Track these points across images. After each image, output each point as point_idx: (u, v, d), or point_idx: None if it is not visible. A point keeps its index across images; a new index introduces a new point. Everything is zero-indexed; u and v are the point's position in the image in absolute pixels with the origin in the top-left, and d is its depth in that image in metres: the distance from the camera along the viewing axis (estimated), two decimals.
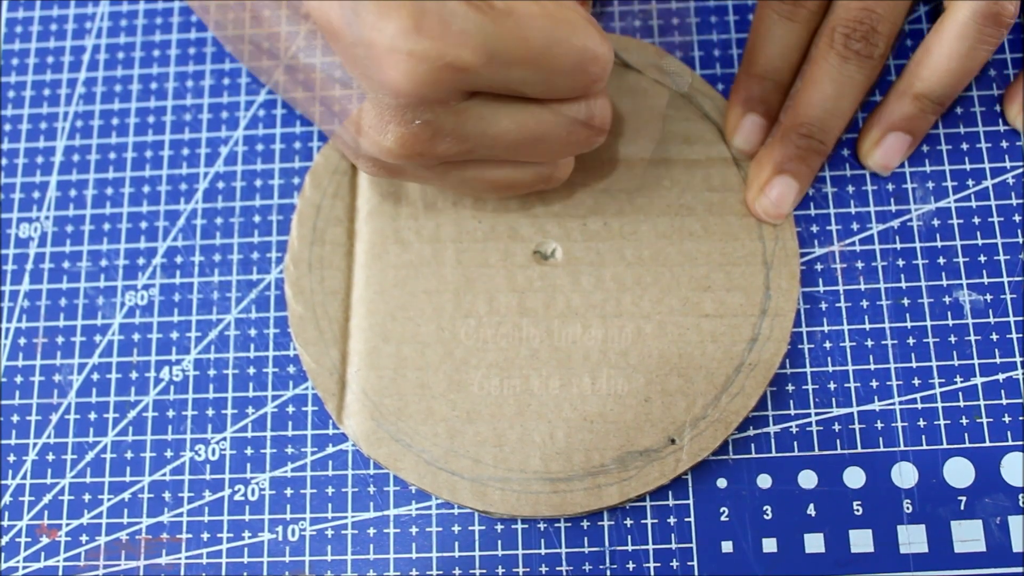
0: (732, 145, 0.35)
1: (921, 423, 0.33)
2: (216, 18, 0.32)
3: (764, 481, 0.33)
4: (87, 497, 0.35)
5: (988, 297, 0.34)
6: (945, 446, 0.33)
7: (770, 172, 0.34)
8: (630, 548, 0.33)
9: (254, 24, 0.31)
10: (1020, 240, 0.35)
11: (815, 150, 0.34)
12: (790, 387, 0.34)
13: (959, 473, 0.33)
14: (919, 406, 0.33)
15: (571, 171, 0.33)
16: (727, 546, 0.33)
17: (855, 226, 0.35)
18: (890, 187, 0.36)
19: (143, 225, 0.37)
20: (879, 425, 0.33)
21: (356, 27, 0.25)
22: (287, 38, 0.29)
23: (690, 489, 0.33)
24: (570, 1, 0.28)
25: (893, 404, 0.33)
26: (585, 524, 0.33)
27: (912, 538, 0.32)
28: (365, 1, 0.25)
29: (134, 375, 0.36)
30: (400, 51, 0.25)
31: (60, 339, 0.36)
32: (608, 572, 0.33)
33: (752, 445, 0.33)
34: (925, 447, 0.33)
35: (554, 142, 0.29)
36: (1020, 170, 0.35)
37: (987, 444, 0.33)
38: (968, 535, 0.32)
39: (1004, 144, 0.36)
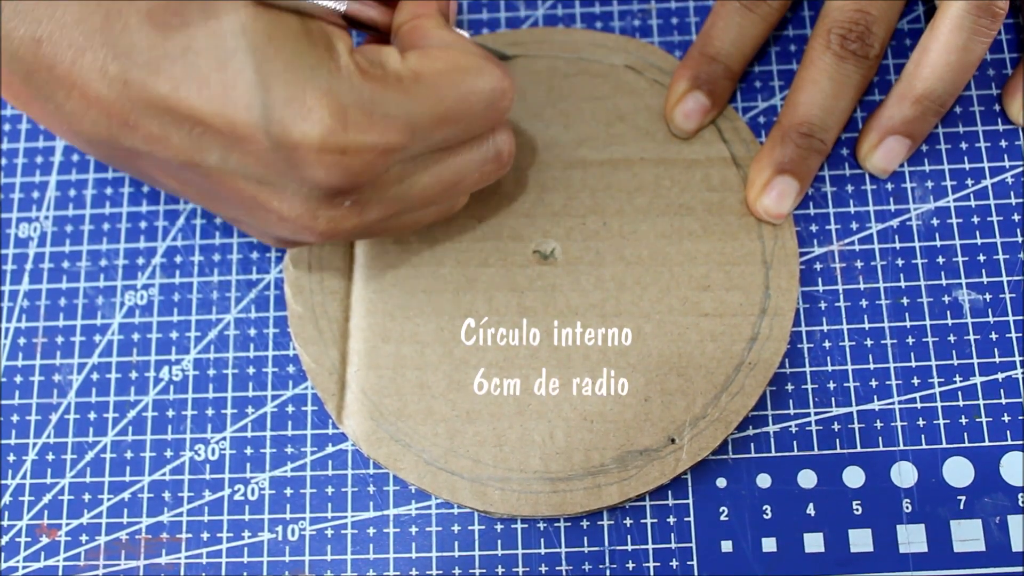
0: (670, 120, 0.36)
1: (920, 422, 0.33)
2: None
3: (764, 481, 0.33)
4: (87, 497, 0.35)
5: (987, 296, 0.34)
6: (944, 445, 0.33)
7: (771, 172, 0.34)
8: (630, 548, 0.33)
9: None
10: (1019, 239, 0.35)
11: (815, 149, 0.34)
12: (789, 387, 0.34)
13: (958, 472, 0.33)
14: (918, 405, 0.33)
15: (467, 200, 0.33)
16: (727, 546, 0.33)
17: (854, 225, 0.35)
18: (889, 187, 0.36)
19: (143, 225, 0.37)
20: (878, 424, 0.33)
21: (274, 133, 0.25)
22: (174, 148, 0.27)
23: (690, 489, 0.33)
24: (465, 42, 0.28)
25: (892, 403, 0.33)
26: (585, 524, 0.33)
27: (911, 537, 0.32)
28: (279, 107, 0.25)
29: (134, 375, 0.36)
30: (331, 150, 0.25)
31: (60, 339, 0.36)
32: (608, 572, 0.33)
33: (751, 445, 0.33)
34: (924, 447, 0.33)
35: (467, 183, 0.30)
36: (1019, 169, 0.35)
37: (986, 444, 0.33)
38: (967, 535, 0.32)
39: (1003, 143, 0.36)
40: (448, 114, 0.27)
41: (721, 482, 0.33)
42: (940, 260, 0.35)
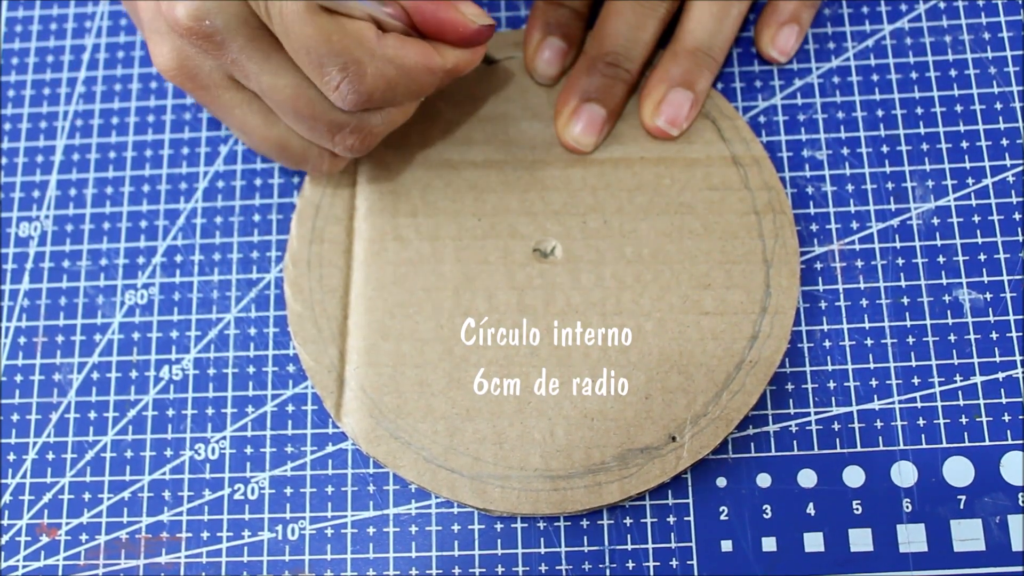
0: (534, 71, 0.36)
1: (921, 422, 0.33)
2: None
3: (763, 480, 0.33)
4: (87, 496, 0.35)
5: (988, 296, 0.34)
6: (944, 445, 0.33)
7: (577, 100, 0.35)
8: (630, 547, 0.33)
9: None
10: (1020, 239, 0.35)
11: (621, 78, 0.35)
12: (789, 386, 0.34)
13: (959, 472, 0.33)
14: (919, 405, 0.33)
15: (338, 168, 0.34)
16: (727, 545, 0.33)
17: (854, 225, 0.35)
18: (889, 186, 0.36)
19: (143, 224, 0.37)
20: (878, 424, 0.33)
21: None
22: None
23: (690, 488, 0.33)
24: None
25: (892, 403, 0.33)
26: (585, 523, 0.33)
27: (911, 537, 0.32)
28: None
29: (134, 374, 0.36)
30: None
31: (60, 338, 0.36)
32: (608, 571, 0.33)
33: (751, 444, 0.33)
34: (925, 446, 0.33)
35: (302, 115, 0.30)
36: (1019, 168, 0.35)
37: (987, 443, 0.33)
38: (968, 534, 0.32)
39: (1004, 142, 0.36)
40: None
41: (721, 481, 0.33)
42: (940, 259, 0.35)
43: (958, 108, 0.36)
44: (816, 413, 0.34)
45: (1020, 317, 0.34)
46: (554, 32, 0.36)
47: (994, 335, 0.34)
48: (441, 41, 0.30)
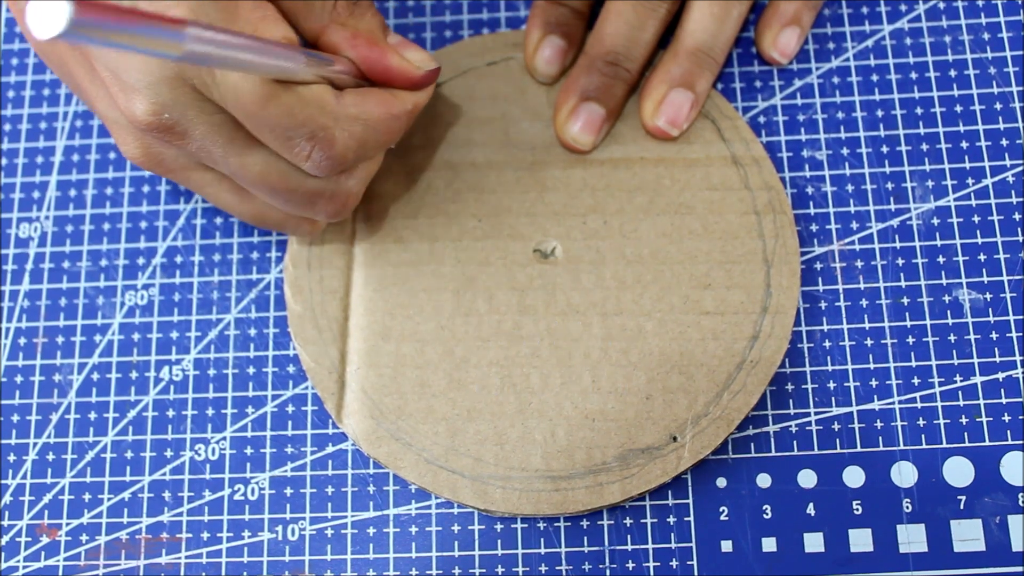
0: (534, 70, 0.36)
1: (921, 422, 0.33)
2: None
3: (763, 480, 0.33)
4: (87, 497, 0.35)
5: (988, 296, 0.34)
6: (945, 445, 0.33)
7: (576, 99, 0.35)
8: (630, 547, 0.33)
9: None
10: (1020, 239, 0.35)
11: (621, 78, 0.35)
12: (789, 386, 0.34)
13: (959, 472, 0.33)
14: (919, 405, 0.33)
15: (320, 230, 0.33)
16: (727, 545, 0.33)
17: (854, 225, 0.35)
18: (889, 186, 0.36)
19: (143, 225, 0.37)
20: (878, 424, 0.33)
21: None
22: None
23: (690, 488, 0.33)
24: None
25: (892, 403, 0.33)
26: (585, 523, 0.33)
27: (912, 537, 0.32)
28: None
29: (134, 375, 0.36)
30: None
31: (60, 339, 0.36)
32: (608, 571, 0.33)
33: (751, 444, 0.33)
34: (925, 446, 0.33)
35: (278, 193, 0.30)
36: (1019, 168, 0.35)
37: (987, 443, 0.33)
38: (968, 534, 0.32)
39: (1004, 142, 0.36)
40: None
41: (721, 482, 0.33)
42: (940, 259, 0.35)
43: (958, 108, 0.36)
44: (816, 413, 0.34)
45: (1020, 317, 0.34)
46: (554, 31, 0.36)
47: (994, 335, 0.34)
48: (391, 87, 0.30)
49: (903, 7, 0.37)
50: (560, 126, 0.35)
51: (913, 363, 0.34)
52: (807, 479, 0.33)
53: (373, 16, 0.30)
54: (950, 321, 0.34)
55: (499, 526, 0.33)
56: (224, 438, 0.35)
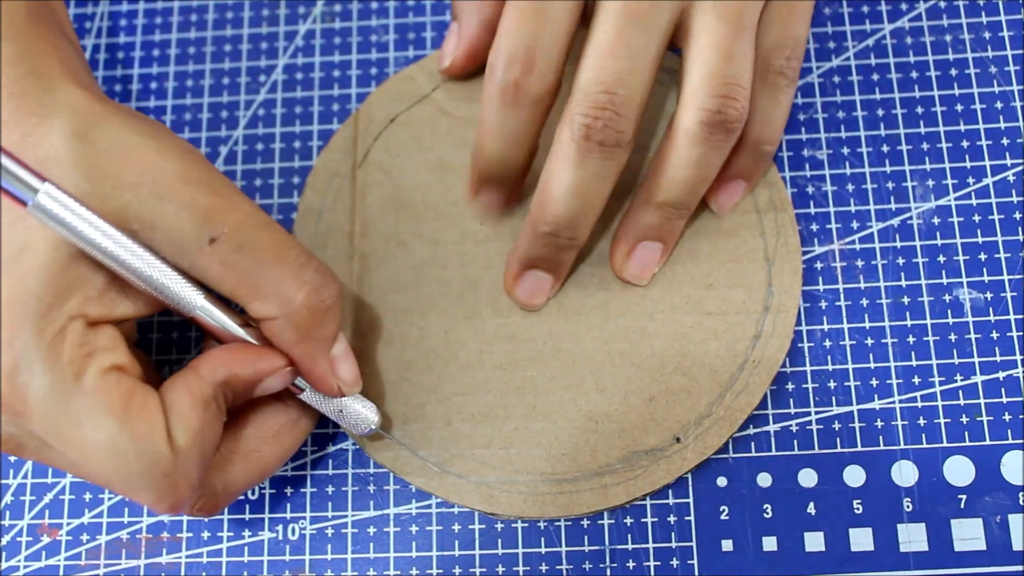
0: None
1: (921, 421, 0.33)
2: None
3: (764, 480, 0.33)
4: (88, 496, 0.35)
5: (988, 295, 0.34)
6: (945, 444, 0.33)
7: (519, 267, 0.33)
8: (630, 547, 0.33)
9: None
10: (1020, 238, 0.35)
11: (565, 247, 0.32)
12: (790, 385, 0.34)
13: (959, 471, 0.33)
14: (919, 404, 0.33)
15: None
16: (727, 545, 0.33)
17: (855, 224, 0.35)
18: (890, 185, 0.36)
19: None
20: (879, 423, 0.33)
21: None
22: None
23: (690, 488, 0.33)
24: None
25: (893, 402, 0.33)
26: (585, 523, 0.33)
27: (912, 536, 0.32)
28: None
29: None
30: None
31: None
32: (608, 571, 0.33)
33: (752, 444, 0.33)
34: (925, 445, 0.33)
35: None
36: (1020, 168, 0.35)
37: (987, 442, 0.33)
38: (968, 533, 0.32)
39: (1004, 141, 0.36)
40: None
41: (722, 481, 0.33)
42: (941, 259, 0.35)
43: (958, 107, 0.36)
44: (817, 413, 0.34)
45: (1020, 316, 0.34)
46: (490, 188, 0.34)
47: (994, 334, 0.34)
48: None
49: (904, 6, 0.37)
50: (508, 289, 0.34)
51: (914, 362, 0.34)
52: (808, 478, 0.33)
53: (333, 321, 0.29)
54: (951, 320, 0.34)
55: (500, 525, 0.33)
56: None
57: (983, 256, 0.35)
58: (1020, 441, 0.33)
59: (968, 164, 0.36)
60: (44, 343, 0.25)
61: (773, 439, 0.33)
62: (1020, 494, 0.32)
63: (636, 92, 0.30)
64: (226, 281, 0.27)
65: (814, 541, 0.32)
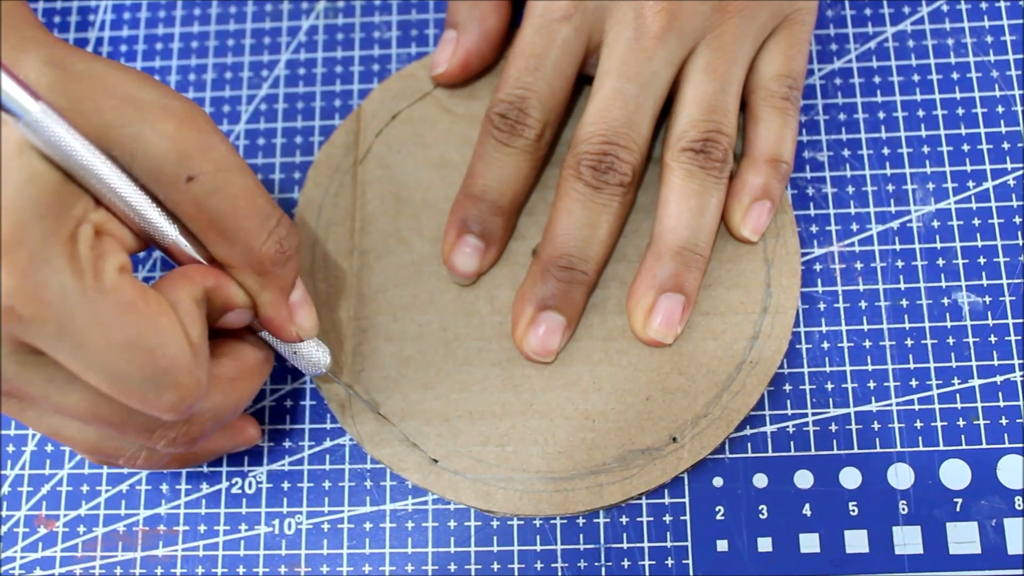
0: (451, 267, 0.34)
1: (918, 424, 0.33)
2: None
3: (760, 480, 0.33)
4: (85, 488, 0.35)
5: (987, 299, 0.34)
6: (942, 448, 0.33)
7: (533, 309, 0.33)
8: (626, 546, 0.33)
9: None
10: (1020, 242, 0.35)
11: (578, 282, 0.33)
12: (787, 387, 0.34)
13: (955, 475, 0.33)
14: (916, 407, 0.33)
15: (160, 462, 0.31)
16: (722, 545, 0.33)
17: (854, 227, 0.35)
18: (890, 188, 0.36)
19: None
20: (876, 426, 0.33)
21: None
22: None
23: (686, 487, 0.33)
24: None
25: (890, 405, 0.33)
26: (581, 521, 0.33)
27: (907, 539, 0.32)
28: None
29: None
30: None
31: None
32: (603, 570, 0.33)
33: (748, 444, 0.33)
34: (922, 448, 0.33)
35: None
36: (1020, 172, 0.35)
37: (984, 446, 0.33)
38: (964, 537, 0.32)
39: (1005, 146, 0.36)
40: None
41: (718, 481, 0.33)
42: (940, 262, 0.35)
43: (960, 111, 0.36)
44: (813, 414, 0.34)
45: (1019, 321, 0.34)
46: (471, 230, 0.34)
47: (993, 338, 0.34)
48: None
49: (906, 9, 0.37)
50: (519, 340, 0.33)
51: (911, 365, 0.34)
52: (804, 480, 0.33)
53: (293, 271, 0.30)
54: (949, 324, 0.34)
55: (495, 523, 0.33)
56: None
57: (982, 260, 0.35)
58: (1017, 445, 0.33)
59: (968, 168, 0.36)
60: (60, 241, 0.24)
61: (770, 440, 0.33)
62: (1016, 498, 0.32)
63: (634, 142, 0.32)
64: (196, 221, 0.27)
65: (809, 542, 0.32)
